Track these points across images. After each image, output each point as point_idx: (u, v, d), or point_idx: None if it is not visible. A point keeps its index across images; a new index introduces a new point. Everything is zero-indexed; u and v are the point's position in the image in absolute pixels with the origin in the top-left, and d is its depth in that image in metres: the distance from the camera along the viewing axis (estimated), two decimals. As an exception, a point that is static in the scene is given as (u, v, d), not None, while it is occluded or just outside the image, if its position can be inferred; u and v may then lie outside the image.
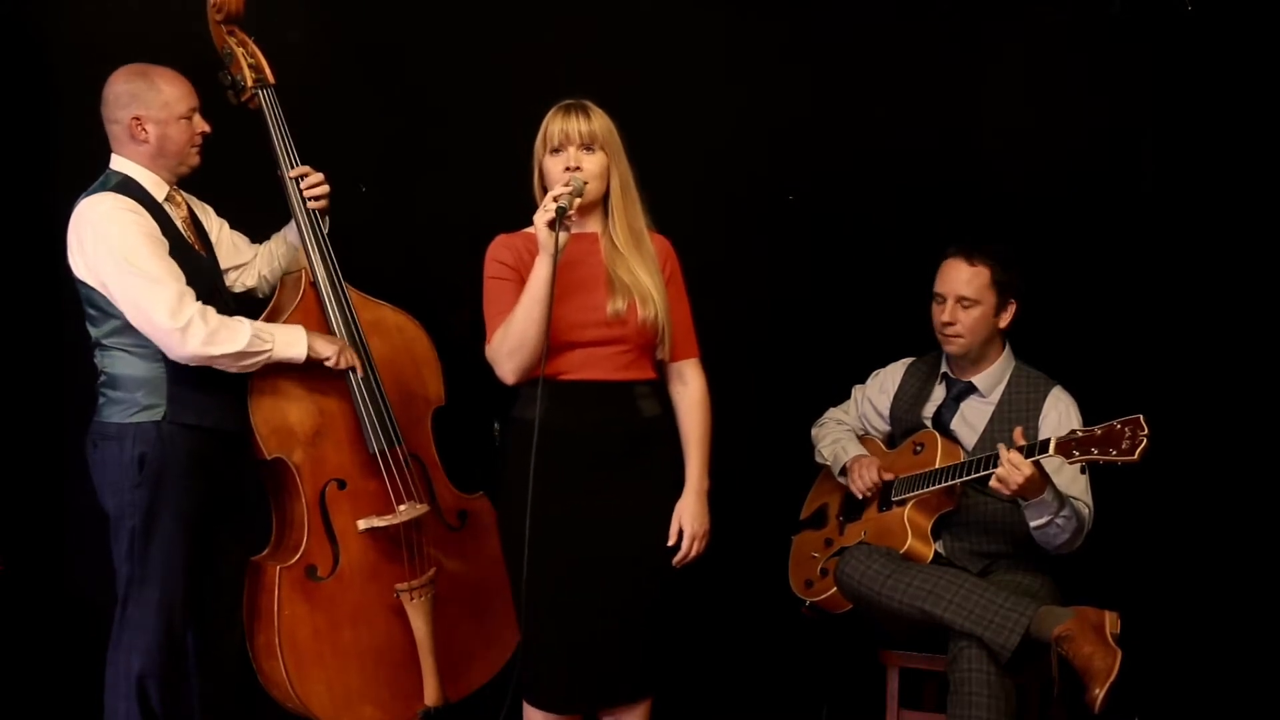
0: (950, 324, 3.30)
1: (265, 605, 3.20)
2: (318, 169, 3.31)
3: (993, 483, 3.06)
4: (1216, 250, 3.82)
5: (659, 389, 2.99)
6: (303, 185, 3.28)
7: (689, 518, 2.93)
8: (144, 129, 3.09)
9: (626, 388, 2.91)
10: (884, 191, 4.03)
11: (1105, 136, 3.94)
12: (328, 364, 3.18)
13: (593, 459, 2.88)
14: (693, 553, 2.94)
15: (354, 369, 3.22)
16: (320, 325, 3.26)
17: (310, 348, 3.15)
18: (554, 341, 2.81)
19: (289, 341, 3.14)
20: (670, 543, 2.92)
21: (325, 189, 3.30)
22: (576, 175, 2.83)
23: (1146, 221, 3.88)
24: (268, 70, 3.33)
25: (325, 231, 3.29)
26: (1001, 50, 4.02)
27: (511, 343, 2.82)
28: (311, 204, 3.28)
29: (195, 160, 3.17)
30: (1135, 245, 3.89)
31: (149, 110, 3.09)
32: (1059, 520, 3.11)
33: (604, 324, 2.87)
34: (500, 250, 2.94)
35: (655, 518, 2.93)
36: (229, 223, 3.37)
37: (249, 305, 3.31)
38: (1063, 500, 3.11)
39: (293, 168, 3.29)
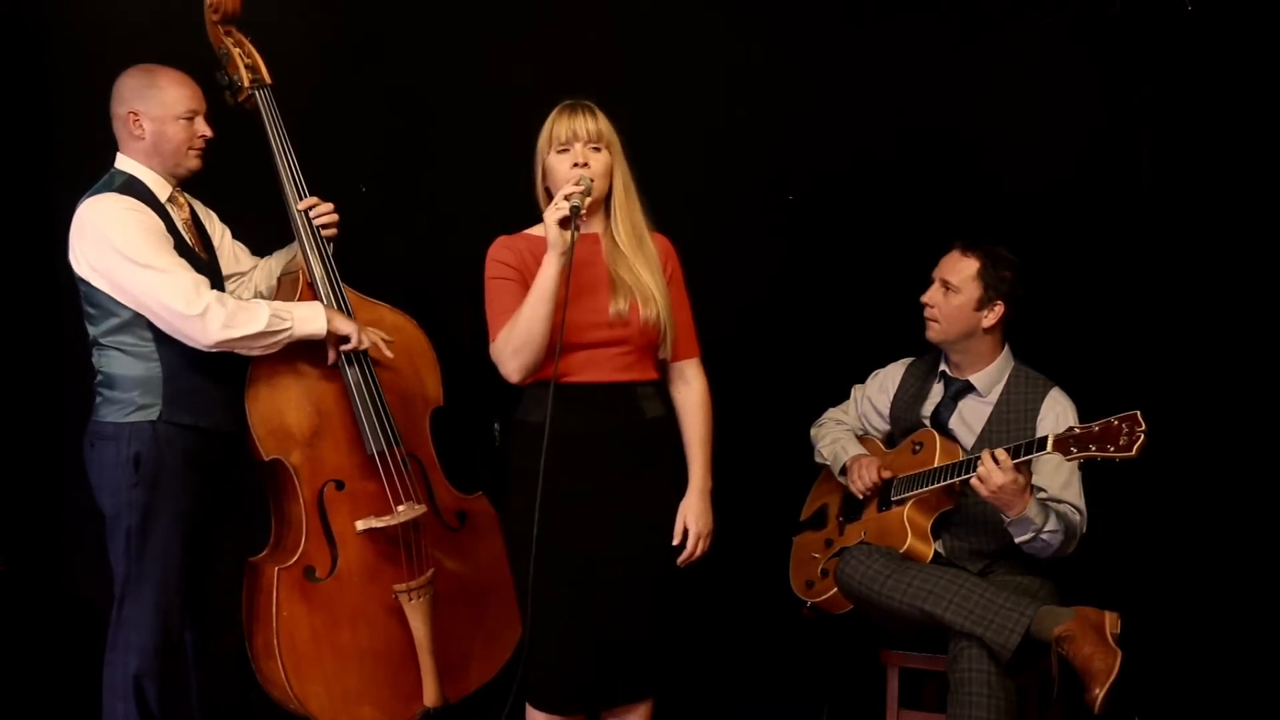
0: (929, 305, 3.33)
1: (264, 606, 3.20)
2: (316, 169, 3.31)
3: (973, 482, 3.07)
4: (1215, 250, 3.82)
5: (661, 389, 2.99)
6: (312, 215, 3.28)
7: (694, 517, 2.93)
8: (140, 125, 3.10)
9: (629, 388, 2.91)
10: (884, 191, 4.03)
11: (1105, 136, 3.94)
12: (346, 346, 3.18)
13: (596, 460, 2.88)
14: (698, 552, 2.94)
15: (370, 351, 3.20)
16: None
17: (330, 322, 3.15)
18: (556, 344, 2.81)
19: (307, 318, 3.13)
20: (675, 542, 2.92)
21: (334, 218, 3.30)
22: (585, 173, 2.83)
23: (1146, 221, 3.88)
24: (264, 70, 3.32)
25: (330, 250, 3.29)
26: (1001, 50, 4.02)
27: (517, 340, 2.82)
28: (324, 233, 3.27)
29: (194, 163, 3.16)
30: (1134, 245, 3.89)
31: (147, 107, 3.09)
32: (1044, 535, 3.11)
33: (606, 325, 2.88)
34: (502, 251, 2.94)
35: (658, 518, 2.93)
36: (225, 224, 3.37)
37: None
38: (1047, 515, 3.11)
39: (293, 176, 3.27)
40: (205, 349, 3.03)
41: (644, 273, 2.91)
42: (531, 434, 2.85)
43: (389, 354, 3.24)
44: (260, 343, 3.07)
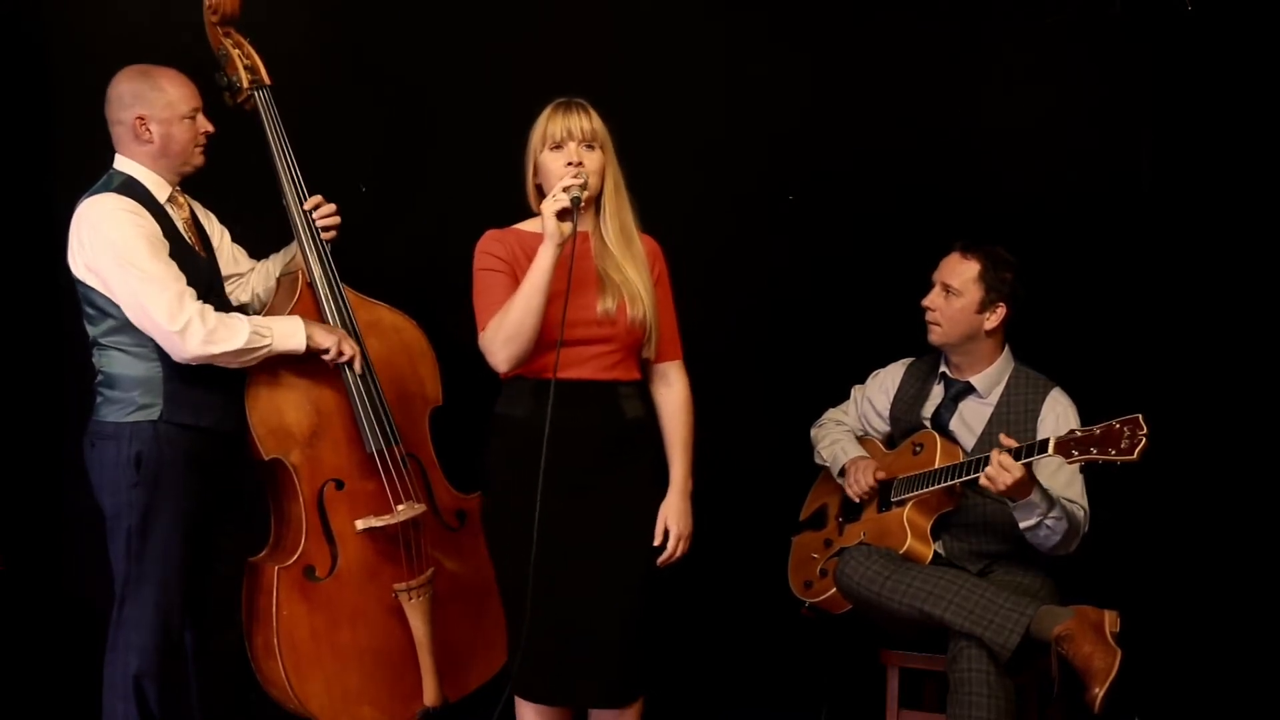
0: (930, 309, 3.33)
1: (264, 606, 3.20)
2: (315, 169, 3.31)
3: (982, 481, 3.06)
4: (1215, 250, 3.82)
5: (642, 390, 2.98)
6: (314, 216, 3.28)
7: (675, 518, 2.93)
8: (148, 129, 3.09)
9: (610, 387, 2.91)
10: (884, 191, 4.03)
11: (1105, 136, 3.94)
12: (326, 356, 3.18)
13: (575, 458, 2.85)
14: (678, 553, 2.93)
15: (353, 361, 3.21)
16: (317, 325, 3.25)
17: (309, 337, 3.15)
18: (542, 339, 2.82)
19: (287, 333, 3.13)
20: (656, 542, 2.91)
21: (337, 219, 3.30)
22: (581, 170, 2.83)
23: (1145, 221, 3.88)
24: (263, 71, 3.32)
25: (329, 250, 3.29)
26: (1001, 50, 4.02)
27: (508, 330, 2.81)
28: (324, 235, 3.28)
29: (199, 160, 3.17)
30: (1134, 245, 3.89)
31: (152, 110, 3.09)
32: (1048, 522, 3.11)
33: (593, 323, 2.87)
34: (491, 244, 2.94)
35: (638, 518, 2.92)
36: (225, 224, 3.37)
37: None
38: (1052, 502, 3.11)
39: (292, 177, 3.27)
40: (184, 362, 3.03)
41: (632, 272, 2.90)
42: (512, 427, 2.88)
43: (359, 361, 3.24)
44: (239, 359, 3.07)
